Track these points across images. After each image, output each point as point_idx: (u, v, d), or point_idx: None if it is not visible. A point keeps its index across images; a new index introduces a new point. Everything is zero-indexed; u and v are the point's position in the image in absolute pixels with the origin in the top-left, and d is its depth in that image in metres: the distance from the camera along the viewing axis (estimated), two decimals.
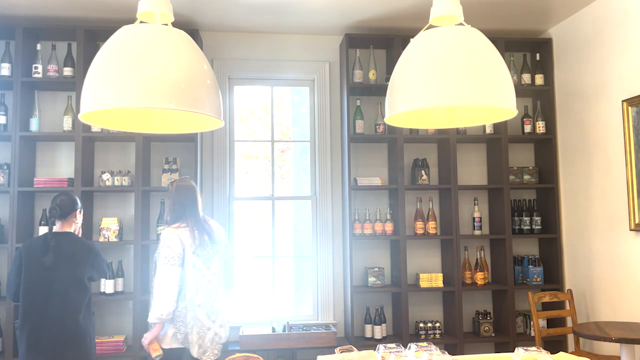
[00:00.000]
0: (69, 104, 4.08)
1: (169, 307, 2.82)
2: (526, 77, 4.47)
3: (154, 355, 2.84)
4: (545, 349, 3.26)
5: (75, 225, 3.03)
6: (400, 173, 4.22)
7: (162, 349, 2.89)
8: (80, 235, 3.08)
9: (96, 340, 3.86)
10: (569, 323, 4.24)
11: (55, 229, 2.94)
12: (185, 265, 2.89)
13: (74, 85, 4.05)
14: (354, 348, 2.39)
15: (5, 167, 3.91)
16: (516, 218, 4.48)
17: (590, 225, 4.03)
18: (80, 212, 3.05)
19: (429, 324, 4.21)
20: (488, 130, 4.41)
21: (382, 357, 2.28)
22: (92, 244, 3.01)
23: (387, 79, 4.33)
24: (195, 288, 2.91)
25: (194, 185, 3.10)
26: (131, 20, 4.08)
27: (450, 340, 4.16)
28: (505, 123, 4.36)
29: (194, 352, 2.88)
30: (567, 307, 4.21)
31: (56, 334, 2.79)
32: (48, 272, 2.82)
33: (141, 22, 1.85)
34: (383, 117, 4.32)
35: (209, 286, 2.96)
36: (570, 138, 4.27)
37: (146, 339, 2.86)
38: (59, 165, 4.21)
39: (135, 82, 1.61)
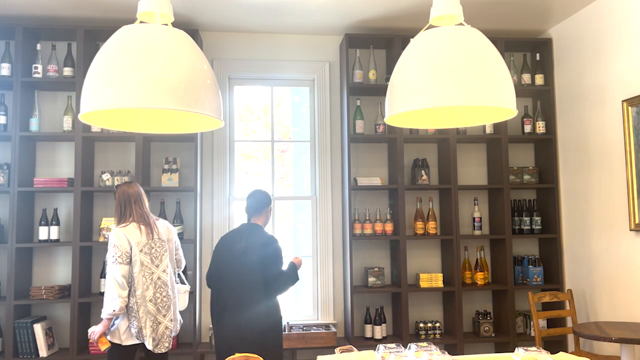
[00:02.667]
0: (69, 104, 4.08)
1: (120, 303, 2.92)
2: (526, 77, 4.47)
3: (103, 348, 2.96)
4: (545, 349, 3.26)
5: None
6: (400, 173, 4.22)
7: (118, 344, 3.00)
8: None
9: None
10: (569, 323, 4.24)
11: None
12: (134, 263, 3.00)
13: (74, 85, 4.05)
14: (354, 348, 2.39)
15: (5, 167, 3.91)
16: (516, 218, 4.48)
17: (590, 225, 4.03)
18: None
19: (429, 324, 4.21)
20: (488, 130, 4.41)
21: (382, 357, 2.28)
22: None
23: (387, 79, 4.33)
24: (145, 285, 3.01)
25: (138, 188, 3.20)
26: (131, 20, 4.08)
27: (450, 340, 4.16)
28: (505, 123, 4.36)
29: (149, 345, 2.99)
30: (567, 307, 4.21)
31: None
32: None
33: (141, 22, 1.85)
34: (383, 117, 4.32)
35: (158, 282, 3.07)
36: (570, 138, 4.27)
37: (95, 333, 2.95)
38: (59, 165, 4.21)
39: (135, 82, 1.61)
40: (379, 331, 4.13)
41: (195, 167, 4.08)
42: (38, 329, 3.79)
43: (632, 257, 3.59)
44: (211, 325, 3.04)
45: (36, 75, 3.97)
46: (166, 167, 4.16)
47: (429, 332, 4.19)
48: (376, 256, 4.46)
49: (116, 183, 4.05)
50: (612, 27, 3.77)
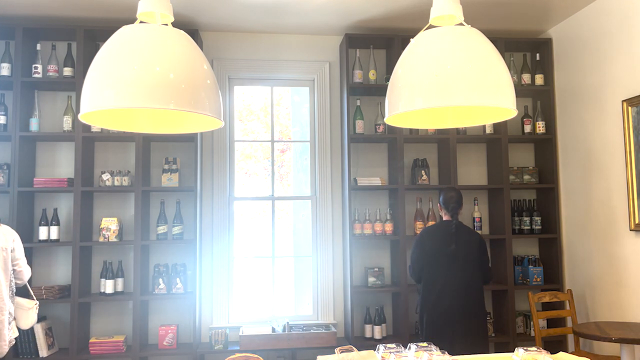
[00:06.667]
0: (69, 104, 4.08)
1: None
2: (526, 77, 4.47)
3: None
4: (545, 349, 3.26)
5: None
6: (400, 173, 4.22)
7: None
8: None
9: (96, 340, 3.87)
10: (569, 323, 4.24)
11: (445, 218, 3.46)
12: None
13: (74, 85, 4.05)
14: (353, 348, 2.39)
15: (5, 167, 3.91)
16: (516, 218, 4.48)
17: (590, 225, 4.02)
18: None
19: None
20: (488, 130, 4.41)
21: (382, 357, 2.28)
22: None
23: (387, 79, 4.33)
24: None
25: None
26: (131, 20, 4.08)
27: None
28: (505, 123, 4.36)
29: None
30: (567, 307, 4.21)
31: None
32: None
33: (141, 22, 1.85)
34: (383, 117, 4.32)
35: None
36: (570, 138, 4.27)
37: None
38: (59, 165, 4.21)
39: (135, 82, 1.61)
40: (379, 331, 4.13)
41: (195, 167, 4.08)
42: (38, 329, 3.78)
43: (632, 257, 3.59)
44: (418, 310, 3.37)
45: (36, 75, 3.97)
46: (166, 167, 4.16)
47: None
48: (376, 256, 4.46)
49: (116, 183, 4.05)
50: (612, 27, 3.77)
